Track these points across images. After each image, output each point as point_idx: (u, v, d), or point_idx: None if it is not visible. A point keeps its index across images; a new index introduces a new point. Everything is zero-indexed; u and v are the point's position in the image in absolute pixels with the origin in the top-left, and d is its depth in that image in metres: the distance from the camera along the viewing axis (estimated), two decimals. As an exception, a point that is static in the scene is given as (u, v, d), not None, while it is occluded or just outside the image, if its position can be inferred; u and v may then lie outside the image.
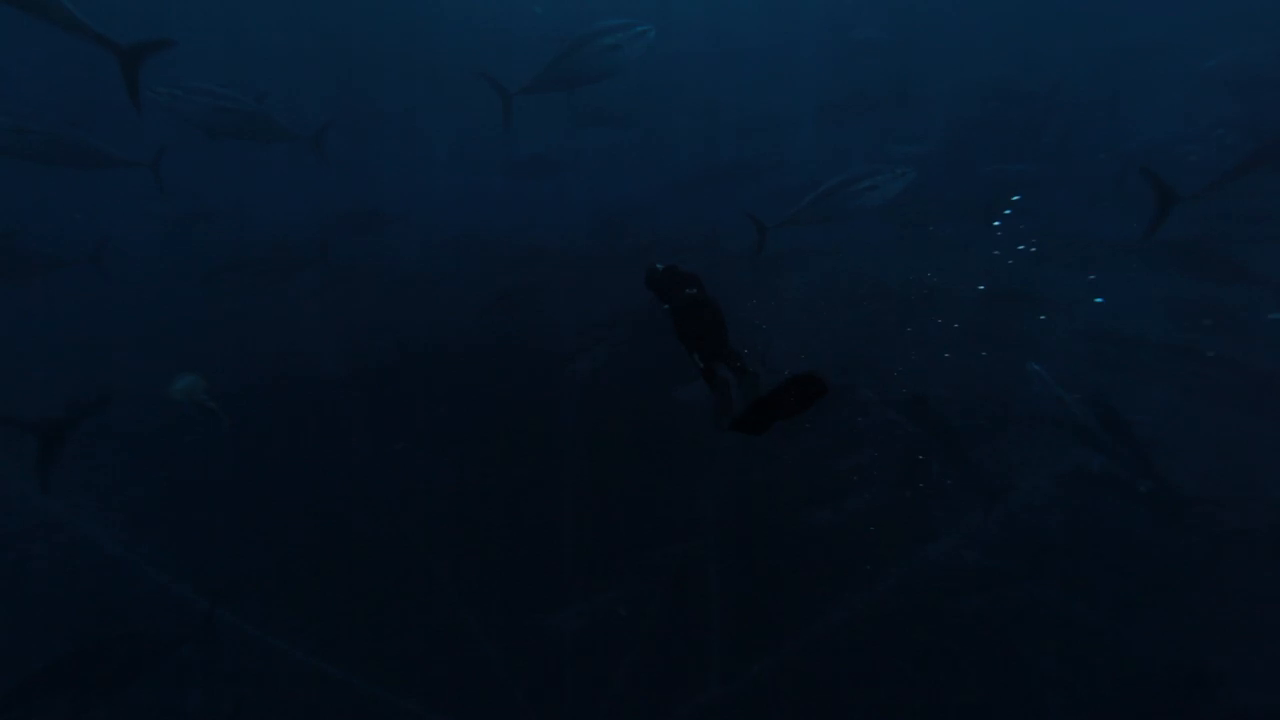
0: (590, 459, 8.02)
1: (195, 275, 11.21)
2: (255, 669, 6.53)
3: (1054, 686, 6.25)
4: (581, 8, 18.13)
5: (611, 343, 9.53)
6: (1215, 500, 7.23)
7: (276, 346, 10.56)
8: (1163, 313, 10.94)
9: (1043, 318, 11.05)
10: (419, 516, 7.68)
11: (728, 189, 15.69)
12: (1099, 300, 11.91)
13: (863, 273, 12.28)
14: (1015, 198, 12.87)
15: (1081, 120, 14.91)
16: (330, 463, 8.27)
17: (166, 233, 14.86)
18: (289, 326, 11.28)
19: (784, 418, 3.02)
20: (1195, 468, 7.77)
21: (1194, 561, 7.02)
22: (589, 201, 15.83)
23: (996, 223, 12.87)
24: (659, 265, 4.46)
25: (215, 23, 19.72)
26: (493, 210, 16.68)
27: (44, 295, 11.14)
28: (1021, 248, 12.40)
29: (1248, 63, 13.23)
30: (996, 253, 12.86)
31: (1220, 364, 9.53)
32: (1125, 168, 12.09)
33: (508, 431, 8.39)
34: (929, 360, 10.21)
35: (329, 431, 8.77)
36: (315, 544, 7.30)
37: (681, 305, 3.88)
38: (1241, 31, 14.99)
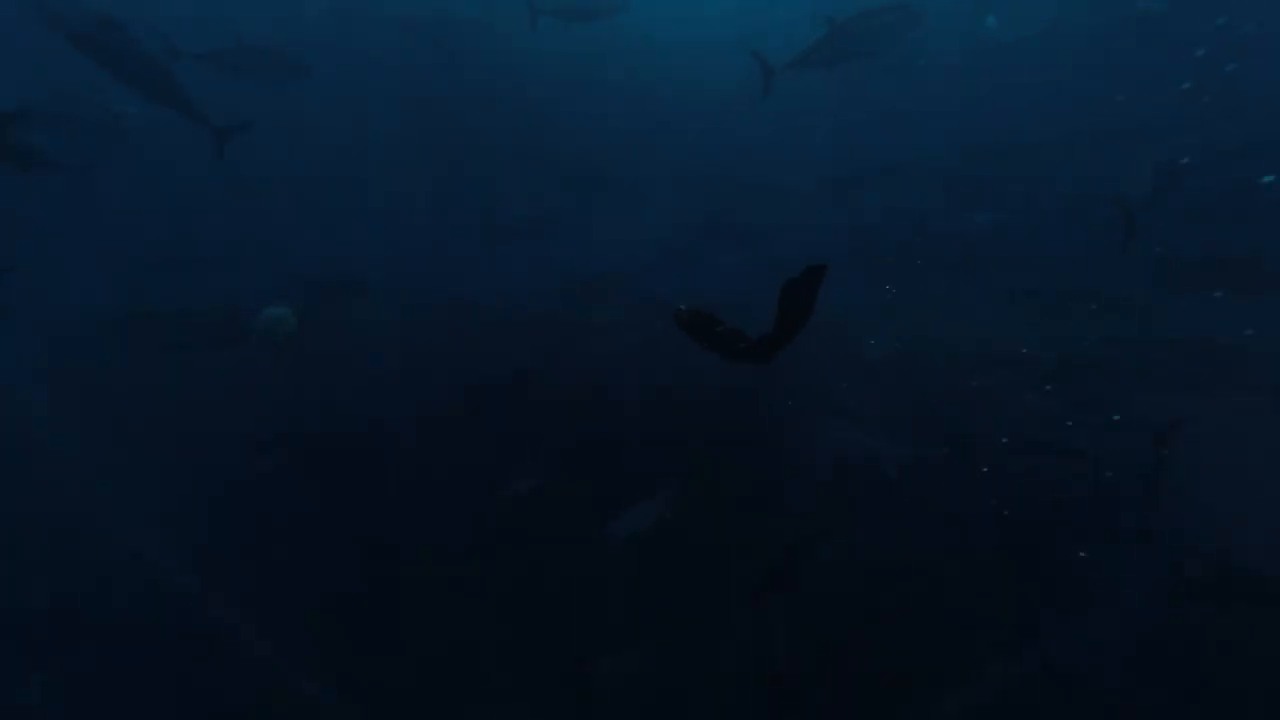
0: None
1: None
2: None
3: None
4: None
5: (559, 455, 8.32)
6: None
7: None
8: None
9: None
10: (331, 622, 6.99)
11: (714, 254, 14.95)
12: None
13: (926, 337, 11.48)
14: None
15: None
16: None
17: (130, 282, 13.79)
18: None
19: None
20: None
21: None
22: (566, 266, 15.08)
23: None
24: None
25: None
26: (473, 276, 15.97)
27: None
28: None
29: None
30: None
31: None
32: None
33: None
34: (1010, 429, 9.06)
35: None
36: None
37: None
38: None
